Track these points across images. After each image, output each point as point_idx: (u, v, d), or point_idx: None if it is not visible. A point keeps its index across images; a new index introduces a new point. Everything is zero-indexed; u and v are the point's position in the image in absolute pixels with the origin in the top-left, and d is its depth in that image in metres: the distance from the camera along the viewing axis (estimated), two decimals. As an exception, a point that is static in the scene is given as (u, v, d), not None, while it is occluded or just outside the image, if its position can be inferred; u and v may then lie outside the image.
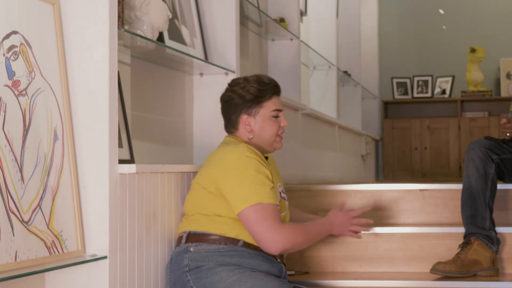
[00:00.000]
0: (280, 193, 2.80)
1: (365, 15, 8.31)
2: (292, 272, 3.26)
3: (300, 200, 3.65)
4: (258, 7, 4.38)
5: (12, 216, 1.97)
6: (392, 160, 8.62)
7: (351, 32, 7.53)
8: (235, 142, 2.78)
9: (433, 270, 3.10)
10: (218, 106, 2.89)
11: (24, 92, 2.10)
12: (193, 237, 2.66)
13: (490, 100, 8.54)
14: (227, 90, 2.85)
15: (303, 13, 5.98)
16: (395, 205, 3.58)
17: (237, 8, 3.47)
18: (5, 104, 2.01)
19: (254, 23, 4.57)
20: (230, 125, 2.83)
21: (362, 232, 3.07)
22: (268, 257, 2.70)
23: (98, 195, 2.30)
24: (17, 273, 1.94)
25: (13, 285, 2.10)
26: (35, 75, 2.16)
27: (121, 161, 2.47)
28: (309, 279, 3.16)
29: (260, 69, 4.78)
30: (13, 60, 2.07)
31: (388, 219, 3.57)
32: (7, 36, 2.05)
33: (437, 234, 3.31)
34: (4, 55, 2.03)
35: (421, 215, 3.57)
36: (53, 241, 2.14)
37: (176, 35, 3.16)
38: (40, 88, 2.17)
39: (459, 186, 3.39)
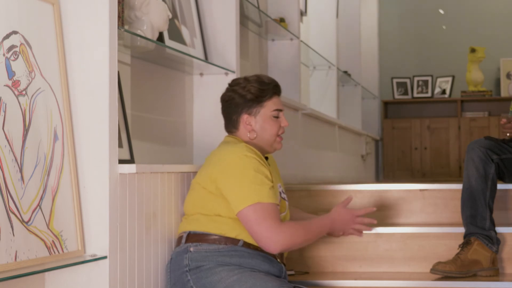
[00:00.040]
0: (280, 193, 2.80)
1: (365, 15, 8.31)
2: (292, 272, 3.26)
3: (300, 200, 3.65)
4: (258, 7, 4.38)
5: (12, 216, 1.97)
6: (392, 160, 8.63)
7: (351, 32, 7.53)
8: (234, 142, 2.78)
9: (433, 270, 3.10)
10: (218, 106, 2.89)
11: (24, 92, 2.10)
12: (193, 237, 2.66)
13: (490, 100, 8.54)
14: (227, 90, 2.85)
15: (303, 13, 5.98)
16: (395, 205, 3.58)
17: (237, 8, 3.47)
18: (5, 104, 2.01)
19: (254, 23, 4.57)
20: (231, 125, 2.83)
21: (362, 233, 3.06)
22: (268, 257, 2.70)
23: (98, 195, 2.30)
24: (17, 273, 1.94)
25: (13, 285, 2.10)
26: (35, 75, 2.16)
27: (121, 161, 2.47)
28: (309, 279, 3.16)
29: (260, 69, 4.78)
30: (13, 60, 2.07)
31: (388, 219, 3.57)
32: (7, 36, 2.05)
33: (437, 234, 3.31)
34: (4, 55, 2.03)
35: (421, 215, 3.57)
36: (53, 241, 2.14)
37: (176, 35, 3.16)
38: (40, 88, 2.17)
39: (459, 186, 3.39)
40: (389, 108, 8.90)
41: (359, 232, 2.99)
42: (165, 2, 3.03)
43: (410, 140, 8.60)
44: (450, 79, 8.73)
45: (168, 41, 3.04)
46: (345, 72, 7.14)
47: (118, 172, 2.35)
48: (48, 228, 2.13)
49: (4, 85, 2.02)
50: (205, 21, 3.46)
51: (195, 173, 2.89)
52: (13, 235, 1.97)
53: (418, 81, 8.85)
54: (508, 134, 3.28)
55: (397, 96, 8.88)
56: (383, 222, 3.55)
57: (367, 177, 7.99)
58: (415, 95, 8.83)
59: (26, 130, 2.09)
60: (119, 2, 2.55)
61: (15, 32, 2.09)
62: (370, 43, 8.51)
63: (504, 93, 8.56)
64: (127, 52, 2.93)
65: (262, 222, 2.59)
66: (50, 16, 2.27)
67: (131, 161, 2.70)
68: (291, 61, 4.94)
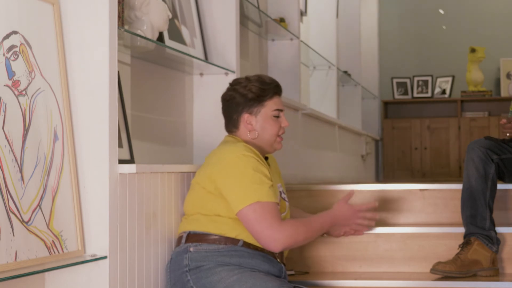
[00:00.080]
0: (280, 193, 2.80)
1: (365, 15, 8.31)
2: (292, 272, 3.26)
3: (300, 200, 3.65)
4: (258, 7, 4.38)
5: (12, 216, 1.97)
6: (392, 160, 8.63)
7: (351, 32, 7.53)
8: (233, 142, 2.78)
9: (433, 270, 3.10)
10: (218, 106, 2.89)
11: (24, 92, 2.10)
12: (193, 237, 2.66)
13: (490, 100, 8.54)
14: (228, 89, 2.85)
15: (303, 13, 5.98)
16: (395, 205, 3.58)
17: (237, 8, 3.47)
18: (5, 104, 2.01)
19: (254, 23, 4.57)
20: (231, 124, 2.83)
21: (362, 232, 3.06)
22: (268, 257, 2.70)
23: (98, 195, 2.30)
24: (17, 273, 1.94)
25: (13, 285, 2.10)
26: (35, 75, 2.16)
27: (121, 161, 2.47)
28: (309, 279, 3.16)
29: (260, 69, 4.78)
30: (13, 60, 2.07)
31: (388, 219, 3.57)
32: (7, 36, 2.05)
33: (437, 234, 3.31)
34: (4, 55, 2.03)
35: (421, 215, 3.57)
36: (53, 241, 2.14)
37: (176, 35, 3.16)
38: (40, 88, 2.17)
39: (459, 186, 3.39)
40: (389, 108, 8.90)
41: (359, 232, 2.99)
42: (165, 2, 3.03)
43: (410, 140, 8.60)
44: (450, 79, 8.73)
45: (168, 41, 3.04)
46: (345, 72, 7.14)
47: (118, 172, 2.35)
48: (48, 228, 2.13)
49: (4, 85, 2.02)
50: (205, 21, 3.46)
51: (195, 173, 2.89)
52: (13, 235, 1.97)
53: (418, 81, 8.85)
54: (508, 134, 3.27)
55: (397, 96, 8.88)
56: (383, 222, 3.55)
57: (367, 177, 7.99)
58: (415, 95, 8.83)
59: (26, 130, 2.09)
60: (119, 2, 2.55)
61: (15, 32, 2.09)
62: (370, 43, 8.52)
63: (504, 93, 8.56)
64: (127, 52, 2.93)
65: (262, 221, 2.59)
66: (50, 16, 2.27)
67: (131, 161, 2.70)
68: (291, 61, 4.95)
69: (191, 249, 2.63)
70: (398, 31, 9.07)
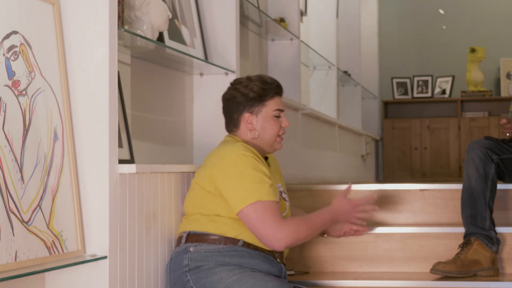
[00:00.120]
0: (281, 193, 2.80)
1: (365, 15, 8.31)
2: (292, 272, 3.26)
3: (300, 200, 3.65)
4: (258, 7, 4.38)
5: (12, 216, 1.97)
6: (392, 160, 8.62)
7: (351, 32, 7.53)
8: (232, 141, 2.78)
9: (433, 270, 3.10)
10: (218, 106, 2.89)
11: (24, 92, 2.10)
12: (193, 237, 2.66)
13: (490, 100, 8.54)
14: (229, 88, 2.85)
15: (303, 13, 5.98)
16: (395, 205, 3.58)
17: (237, 8, 3.47)
18: (5, 104, 2.01)
19: (254, 23, 4.57)
20: (232, 124, 2.83)
21: (363, 232, 3.07)
22: (268, 257, 2.70)
23: (98, 195, 2.30)
24: (17, 273, 1.94)
25: (13, 285, 2.10)
26: (35, 75, 2.16)
27: (121, 161, 2.47)
28: (309, 279, 3.16)
29: (260, 69, 4.78)
30: (13, 60, 2.07)
31: (388, 219, 3.57)
32: (7, 36, 2.05)
33: (437, 234, 3.31)
34: (4, 55, 2.03)
35: (421, 215, 3.57)
36: (53, 241, 2.14)
37: (176, 35, 3.16)
38: (40, 88, 2.17)
39: (459, 186, 3.39)
40: (389, 108, 8.90)
41: (360, 233, 2.99)
42: (165, 2, 3.03)
43: (410, 140, 8.60)
44: (450, 79, 8.73)
45: (168, 41, 3.04)
46: (345, 72, 7.14)
47: (118, 172, 2.35)
48: (48, 228, 2.13)
49: (4, 85, 2.02)
50: (205, 21, 3.46)
51: (195, 173, 2.89)
52: (13, 235, 1.97)
53: (418, 81, 8.85)
54: (508, 134, 3.28)
55: (397, 96, 8.88)
56: (383, 222, 3.55)
57: (367, 177, 7.99)
58: (415, 95, 8.83)
59: (26, 130, 2.09)
60: (119, 2, 2.55)
61: (15, 32, 2.09)
62: (370, 43, 8.51)
63: (504, 93, 8.56)
64: (127, 52, 2.93)
65: (264, 220, 2.59)
66: (50, 16, 2.27)
67: (131, 161, 2.70)
68: (291, 61, 4.94)
69: (191, 249, 2.63)
70: (398, 31, 9.07)
